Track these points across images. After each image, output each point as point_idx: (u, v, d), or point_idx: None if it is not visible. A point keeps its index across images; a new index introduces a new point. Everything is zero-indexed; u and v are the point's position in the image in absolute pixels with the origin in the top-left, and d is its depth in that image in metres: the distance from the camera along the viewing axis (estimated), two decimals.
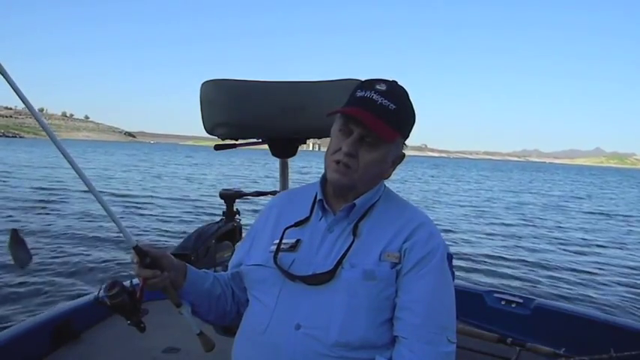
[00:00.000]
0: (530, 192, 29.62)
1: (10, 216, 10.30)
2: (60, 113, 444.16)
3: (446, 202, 19.79)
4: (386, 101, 1.06)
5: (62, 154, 1.07)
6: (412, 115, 1.13)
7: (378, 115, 1.05)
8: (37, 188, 16.22)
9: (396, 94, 1.09)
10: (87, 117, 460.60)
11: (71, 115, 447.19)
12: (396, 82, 1.11)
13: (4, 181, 18.31)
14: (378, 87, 1.07)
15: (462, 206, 18.02)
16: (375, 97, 1.06)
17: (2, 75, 1.00)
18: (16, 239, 1.22)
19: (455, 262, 1.14)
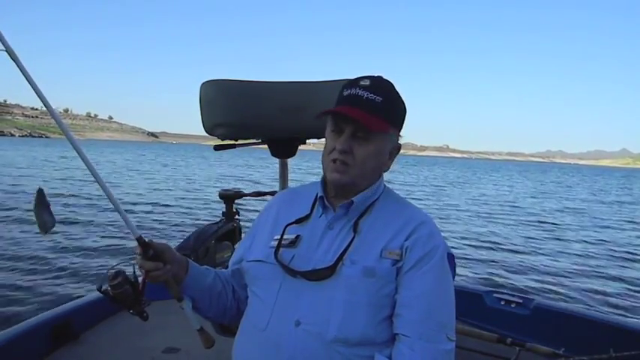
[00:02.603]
0: None
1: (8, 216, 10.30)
2: (84, 114, 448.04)
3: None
4: (372, 95, 1.08)
5: (74, 147, 1.11)
6: (401, 106, 1.15)
7: (366, 109, 1.07)
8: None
9: (380, 87, 1.10)
10: (111, 117, 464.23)
11: (95, 116, 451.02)
12: (380, 77, 1.13)
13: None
14: (362, 83, 1.10)
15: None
16: (360, 92, 1.08)
17: (23, 74, 1.03)
18: (42, 200, 1.19)
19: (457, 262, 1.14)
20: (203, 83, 1.91)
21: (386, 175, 1.21)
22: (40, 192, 1.19)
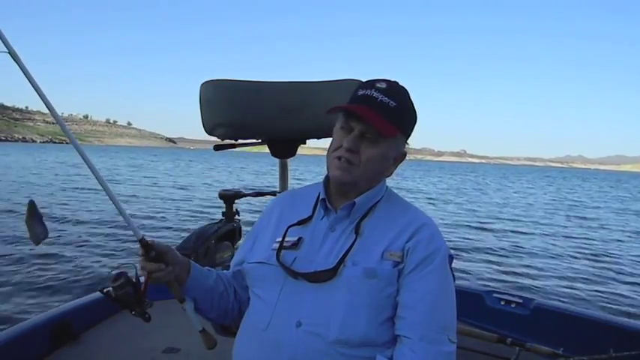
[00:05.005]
0: None
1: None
2: (104, 120, 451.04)
3: None
4: (386, 99, 1.08)
5: (77, 150, 1.14)
6: (413, 114, 1.15)
7: (378, 111, 1.07)
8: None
9: (396, 92, 1.10)
10: (129, 123, 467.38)
11: (115, 122, 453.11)
12: (396, 82, 1.13)
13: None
14: (378, 85, 1.10)
15: None
16: (375, 94, 1.08)
17: (25, 75, 1.05)
18: (33, 212, 1.18)
19: (458, 262, 1.14)
20: (203, 83, 1.91)
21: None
22: (32, 204, 1.19)
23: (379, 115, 1.07)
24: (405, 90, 1.13)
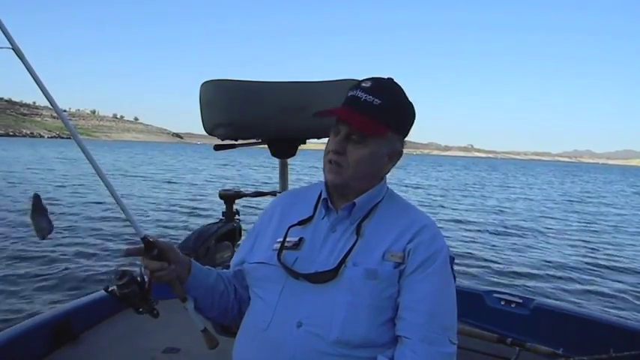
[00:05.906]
0: None
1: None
2: (111, 115, 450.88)
3: None
4: (370, 97, 1.07)
5: (80, 147, 1.12)
6: (404, 110, 1.14)
7: (359, 110, 1.07)
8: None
9: (382, 89, 1.09)
10: (136, 118, 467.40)
11: (122, 117, 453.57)
12: (386, 79, 1.12)
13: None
14: (363, 85, 1.10)
15: None
16: (359, 94, 1.08)
17: (29, 72, 1.06)
18: (38, 206, 1.18)
19: (458, 262, 1.14)
20: (203, 83, 1.91)
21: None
22: (37, 197, 1.18)
23: (362, 114, 1.07)
24: (395, 86, 1.12)
